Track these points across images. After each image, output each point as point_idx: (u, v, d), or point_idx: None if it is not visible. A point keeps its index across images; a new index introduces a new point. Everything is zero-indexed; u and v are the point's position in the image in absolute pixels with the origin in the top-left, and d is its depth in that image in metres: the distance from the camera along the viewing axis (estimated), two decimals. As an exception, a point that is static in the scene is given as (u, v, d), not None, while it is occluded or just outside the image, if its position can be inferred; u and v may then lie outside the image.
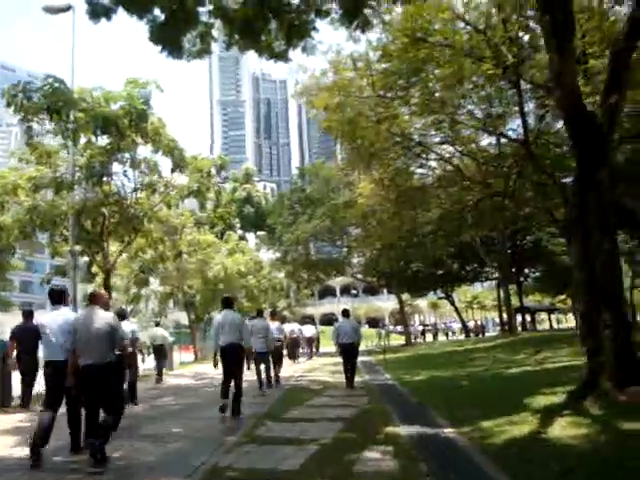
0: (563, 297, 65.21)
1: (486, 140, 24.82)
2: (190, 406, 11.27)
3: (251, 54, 11.33)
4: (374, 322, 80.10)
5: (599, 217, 7.80)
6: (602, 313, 7.71)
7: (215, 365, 9.84)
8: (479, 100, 20.06)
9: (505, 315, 48.90)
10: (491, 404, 8.81)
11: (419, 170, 24.41)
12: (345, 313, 14.64)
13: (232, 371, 9.51)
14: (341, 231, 34.75)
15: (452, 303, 50.56)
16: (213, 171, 17.85)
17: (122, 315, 10.74)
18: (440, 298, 54.28)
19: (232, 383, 9.45)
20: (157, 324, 20.39)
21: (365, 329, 54.17)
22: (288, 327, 23.89)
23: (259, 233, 47.44)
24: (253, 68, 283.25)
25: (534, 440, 6.29)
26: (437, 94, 20.15)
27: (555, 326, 65.68)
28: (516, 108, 21.50)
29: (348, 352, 13.35)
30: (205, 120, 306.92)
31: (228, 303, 10.32)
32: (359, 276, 42.62)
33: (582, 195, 8.21)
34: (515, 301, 60.43)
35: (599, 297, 7.78)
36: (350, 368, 13.45)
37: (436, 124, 21.54)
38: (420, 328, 54.49)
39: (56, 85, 13.69)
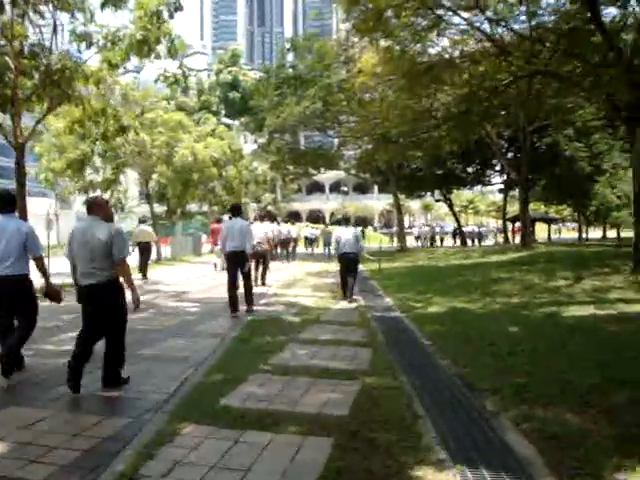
0: (562, 207, 61.78)
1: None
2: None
3: None
4: (363, 222, 76.42)
5: None
6: None
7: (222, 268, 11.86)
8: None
9: (515, 224, 45.44)
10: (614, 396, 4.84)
11: (435, 48, 19.54)
12: (346, 221, 13.95)
13: (238, 273, 10.61)
14: (334, 118, 29.86)
15: (450, 206, 46.56)
16: (165, 14, 12.95)
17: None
18: (438, 200, 50.16)
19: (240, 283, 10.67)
20: (142, 221, 19.72)
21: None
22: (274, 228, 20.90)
23: (242, 119, 42.24)
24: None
25: None
26: None
27: (553, 237, 62.04)
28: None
29: (349, 263, 12.62)
30: (195, 2, 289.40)
31: (238, 211, 11.09)
32: (352, 171, 38.11)
33: None
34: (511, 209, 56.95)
35: None
36: (350, 280, 12.60)
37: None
38: (426, 229, 49.91)
39: None
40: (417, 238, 47.16)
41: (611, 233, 60.26)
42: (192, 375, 6.09)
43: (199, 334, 8.47)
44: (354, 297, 12.72)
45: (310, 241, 36.52)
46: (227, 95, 64.39)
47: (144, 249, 18.23)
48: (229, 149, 32.03)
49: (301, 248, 33.59)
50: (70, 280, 5.96)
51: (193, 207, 41.89)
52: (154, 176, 29.64)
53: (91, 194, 26.54)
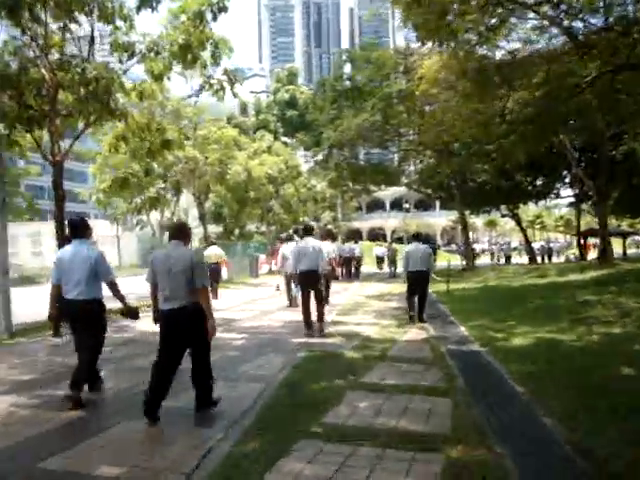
0: (636, 221, 58.44)
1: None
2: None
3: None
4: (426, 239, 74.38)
5: None
6: None
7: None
8: None
9: (587, 239, 42.73)
10: None
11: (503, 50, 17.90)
12: (417, 237, 12.75)
13: (311, 292, 10.60)
14: (395, 131, 28.37)
15: (518, 222, 44.16)
16: (208, 16, 11.87)
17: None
18: (504, 215, 47.78)
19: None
20: (212, 243, 20.24)
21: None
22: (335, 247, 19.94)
23: (298, 135, 41.22)
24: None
25: None
26: None
27: (630, 252, 58.31)
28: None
29: (417, 282, 11.87)
30: (253, 26, 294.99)
31: (310, 231, 11.35)
32: (414, 187, 36.36)
33: None
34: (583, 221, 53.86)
35: None
36: (419, 300, 12.01)
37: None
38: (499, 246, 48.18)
39: None
40: (489, 253, 45.23)
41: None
42: (221, 441, 4.73)
43: (240, 377, 7.11)
44: (423, 325, 11.28)
45: (381, 260, 35.67)
46: (284, 113, 63.82)
47: (214, 270, 18.18)
48: (285, 166, 30.97)
49: (367, 267, 32.13)
50: (147, 300, 6.03)
51: (251, 227, 41.13)
52: (210, 195, 28.88)
53: (145, 215, 25.92)
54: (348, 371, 7.26)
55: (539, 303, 13.92)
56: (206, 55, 12.69)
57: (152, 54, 12.74)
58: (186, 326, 5.40)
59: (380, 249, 37.47)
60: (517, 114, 16.05)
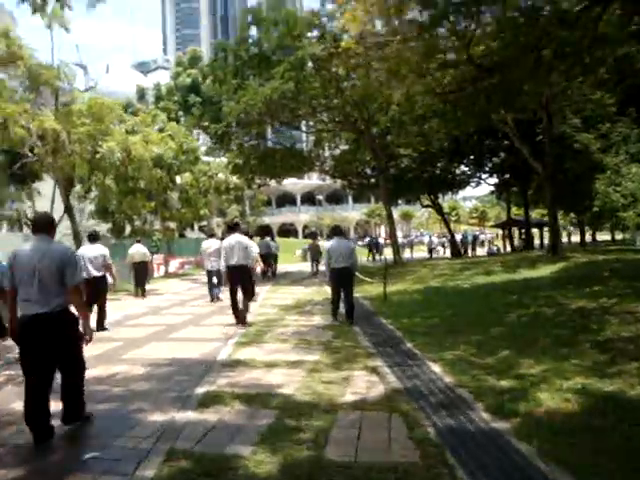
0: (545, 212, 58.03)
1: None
2: None
3: None
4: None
5: None
6: None
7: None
8: None
9: (505, 230, 40.35)
10: None
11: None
12: (337, 231, 11.84)
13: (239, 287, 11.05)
14: (309, 106, 24.01)
15: (440, 212, 41.35)
16: None
17: (94, 237, 11.29)
18: (426, 206, 44.96)
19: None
20: (138, 241, 18.86)
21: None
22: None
23: (193, 110, 36.04)
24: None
25: None
26: None
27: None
28: None
29: (342, 279, 10.94)
30: (157, 16, 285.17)
31: (235, 228, 11.49)
32: (330, 172, 32.10)
33: None
34: (492, 213, 52.10)
35: None
36: (345, 299, 10.97)
37: None
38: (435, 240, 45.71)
39: None
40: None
41: (600, 236, 56.11)
42: None
43: None
44: (375, 365, 7.19)
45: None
46: (187, 100, 58.29)
47: (139, 269, 17.78)
48: (181, 150, 26.08)
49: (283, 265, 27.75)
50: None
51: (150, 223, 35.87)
52: (93, 187, 23.86)
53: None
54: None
55: (520, 314, 10.12)
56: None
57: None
58: (53, 334, 4.60)
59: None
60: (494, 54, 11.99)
